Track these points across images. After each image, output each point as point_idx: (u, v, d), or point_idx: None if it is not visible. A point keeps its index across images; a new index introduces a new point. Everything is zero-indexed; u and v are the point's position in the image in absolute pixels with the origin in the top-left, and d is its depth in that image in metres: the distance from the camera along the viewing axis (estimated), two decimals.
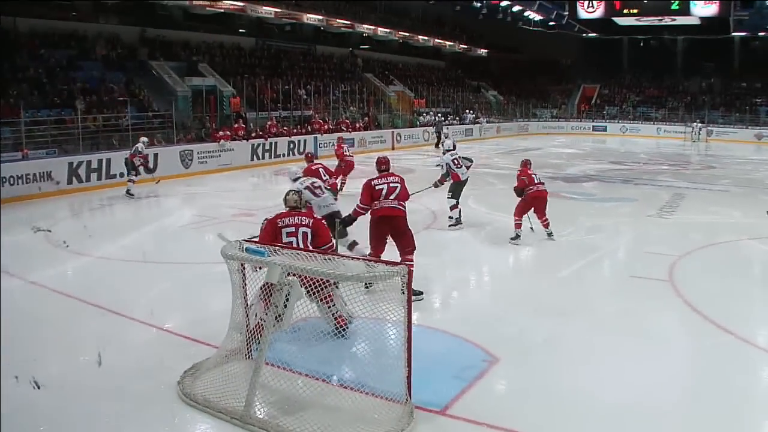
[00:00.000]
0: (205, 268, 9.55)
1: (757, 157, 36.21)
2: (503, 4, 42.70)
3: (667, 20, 35.77)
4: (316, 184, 10.14)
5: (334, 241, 7.16)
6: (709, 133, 46.88)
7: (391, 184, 8.83)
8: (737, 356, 7.32)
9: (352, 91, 36.93)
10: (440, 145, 28.17)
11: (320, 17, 37.21)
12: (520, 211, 12.50)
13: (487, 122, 45.38)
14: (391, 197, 8.75)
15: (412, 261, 8.32)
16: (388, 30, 42.80)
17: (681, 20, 35.47)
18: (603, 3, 34.71)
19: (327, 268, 5.58)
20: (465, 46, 52.51)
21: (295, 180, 10.29)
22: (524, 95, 54.92)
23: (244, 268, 6.16)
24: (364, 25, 40.97)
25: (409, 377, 5.55)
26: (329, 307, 6.53)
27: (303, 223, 7.07)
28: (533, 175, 12.69)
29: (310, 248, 6.72)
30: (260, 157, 25.08)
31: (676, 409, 6.07)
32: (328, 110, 33.25)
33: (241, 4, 32.11)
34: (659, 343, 7.68)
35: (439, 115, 39.97)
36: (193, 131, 24.76)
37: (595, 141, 44.23)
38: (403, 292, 5.53)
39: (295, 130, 28.12)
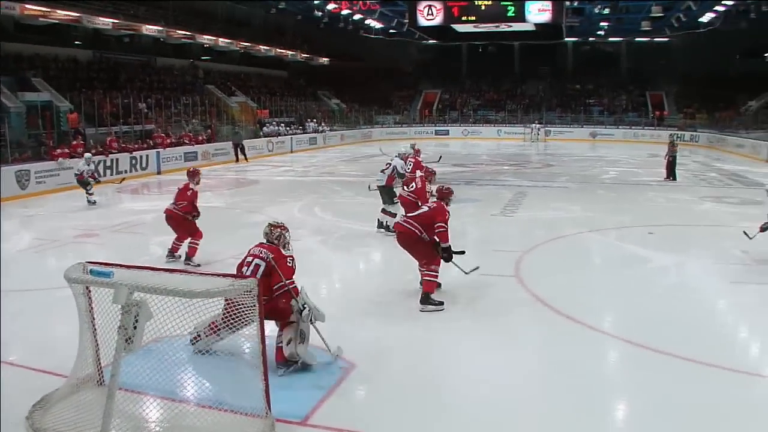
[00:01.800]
0: (47, 294, 9.20)
1: (592, 154, 38.13)
2: (344, 12, 42.92)
3: (503, 27, 36.79)
4: None
5: (289, 281, 6.73)
6: (547, 133, 49.10)
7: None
8: (585, 343, 7.80)
9: (194, 103, 36.20)
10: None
11: (159, 28, 36.07)
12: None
13: (330, 130, 45.52)
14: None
15: (425, 272, 9.05)
16: (228, 40, 42.09)
17: (517, 26, 36.56)
18: (442, 11, 35.33)
19: (174, 285, 5.41)
20: (307, 55, 52.42)
21: None
22: (367, 102, 55.41)
23: (89, 291, 5.90)
24: (204, 36, 40.12)
25: (267, 390, 5.52)
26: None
27: (260, 255, 6.88)
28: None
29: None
30: (101, 174, 24.13)
31: (533, 400, 6.34)
32: (170, 123, 32.43)
33: (76, 14, 30.52)
34: (512, 337, 8.06)
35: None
36: (28, 149, 23.54)
37: (438, 144, 45.08)
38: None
39: (136, 145, 27.24)
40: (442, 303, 8.84)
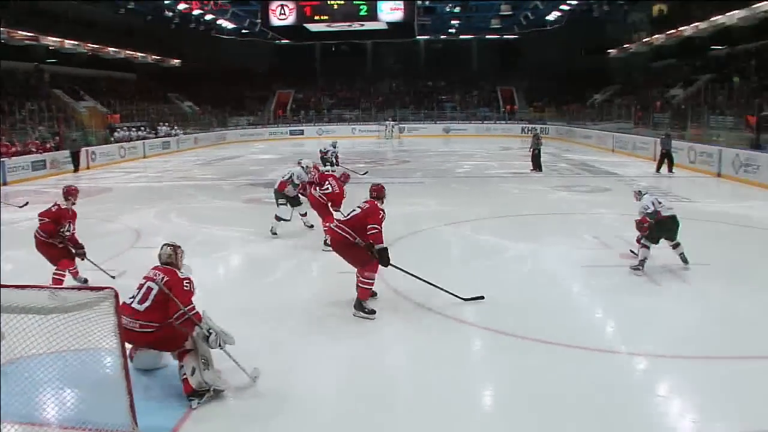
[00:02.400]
0: None
1: (446, 149, 38.84)
2: (195, 13, 42.17)
3: (356, 26, 37.04)
4: None
5: (189, 307, 6.25)
6: (401, 130, 49.60)
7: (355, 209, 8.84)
8: (447, 333, 7.94)
9: (40, 109, 34.76)
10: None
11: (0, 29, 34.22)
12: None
13: (183, 134, 44.53)
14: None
15: (360, 279, 8.60)
16: (75, 42, 40.47)
17: (369, 25, 36.87)
18: (294, 10, 35.20)
19: (26, 301, 5.14)
20: (158, 57, 51.22)
21: None
22: (220, 104, 54.77)
23: None
24: (49, 37, 38.36)
25: (131, 404, 5.27)
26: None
27: (155, 278, 6.38)
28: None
29: (143, 304, 6.26)
30: None
31: (399, 394, 6.43)
32: (15, 131, 30.90)
33: None
34: (376, 331, 8.09)
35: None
36: None
37: (293, 144, 45.04)
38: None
39: None
40: (374, 311, 8.51)
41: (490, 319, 8.27)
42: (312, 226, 13.97)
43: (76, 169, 29.22)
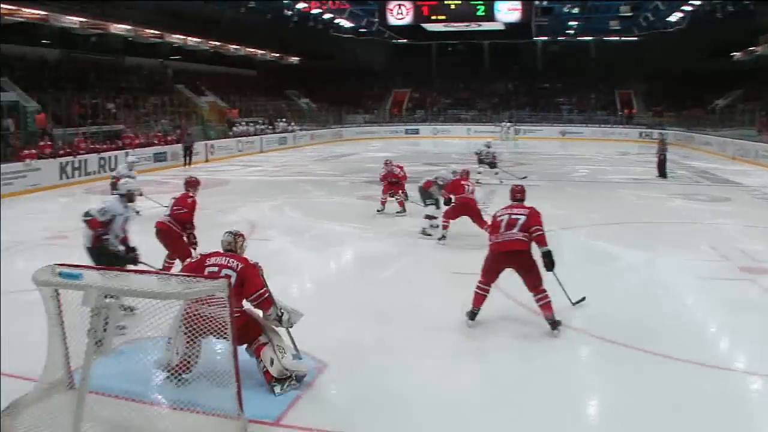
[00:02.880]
0: (15, 297, 9.05)
1: (562, 152, 38.36)
2: (314, 11, 42.79)
3: (473, 26, 37.00)
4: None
5: (263, 291, 6.45)
6: (518, 132, 49.11)
7: (513, 216, 8.29)
8: (558, 340, 7.84)
9: (163, 103, 35.92)
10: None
11: (129, 27, 35.50)
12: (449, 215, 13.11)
13: (300, 130, 45.21)
14: (514, 230, 8.12)
15: (544, 294, 8.07)
16: (198, 40, 41.74)
17: (487, 26, 36.80)
18: (412, 10, 35.44)
19: (143, 286, 5.34)
20: (277, 55, 52.24)
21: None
22: (337, 102, 55.21)
23: (58, 294, 5.72)
24: (173, 35, 39.71)
25: (239, 391, 5.45)
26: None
27: (229, 265, 6.49)
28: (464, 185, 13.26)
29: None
30: (70, 175, 23.73)
31: (499, 403, 6.35)
32: (139, 124, 32.07)
33: (44, 13, 29.81)
34: (486, 340, 8.03)
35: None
36: None
37: (408, 144, 45.18)
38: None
39: (105, 146, 26.92)
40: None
41: (600, 327, 8.15)
42: (430, 235, 13.66)
43: (188, 163, 29.53)
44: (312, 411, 5.99)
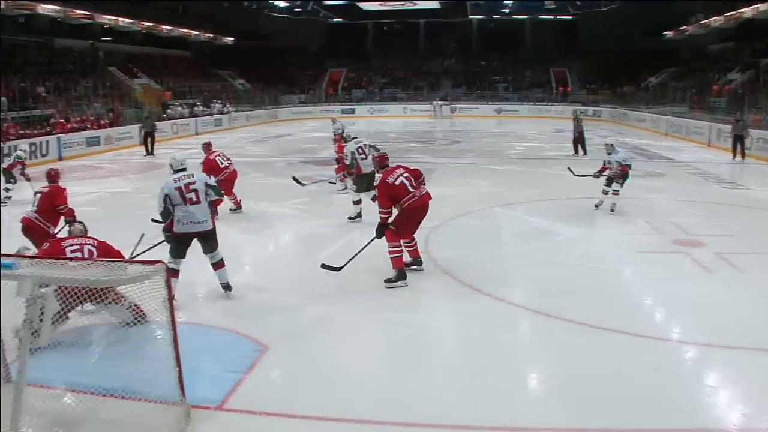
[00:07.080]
0: None
1: (498, 130, 38.65)
2: None
3: (408, 5, 37.14)
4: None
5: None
6: (453, 110, 49.34)
7: (404, 175, 9.24)
8: (497, 314, 7.99)
9: (95, 86, 35.20)
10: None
11: (57, 8, 34.20)
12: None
13: (236, 111, 44.80)
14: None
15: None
16: (130, 20, 40.66)
17: (422, 4, 37.01)
18: None
19: (80, 275, 5.22)
20: (211, 35, 51.42)
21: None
22: (272, 82, 54.80)
23: None
24: (104, 16, 38.57)
25: (180, 377, 5.40)
26: (122, 303, 6.30)
27: (87, 243, 7.13)
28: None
29: None
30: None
31: (449, 373, 6.44)
32: (71, 108, 31.32)
33: None
34: (424, 312, 8.19)
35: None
36: None
37: (345, 123, 45.01)
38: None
39: (35, 131, 26.17)
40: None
41: (538, 301, 8.26)
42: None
43: (150, 152, 27.34)
44: (255, 394, 5.95)
